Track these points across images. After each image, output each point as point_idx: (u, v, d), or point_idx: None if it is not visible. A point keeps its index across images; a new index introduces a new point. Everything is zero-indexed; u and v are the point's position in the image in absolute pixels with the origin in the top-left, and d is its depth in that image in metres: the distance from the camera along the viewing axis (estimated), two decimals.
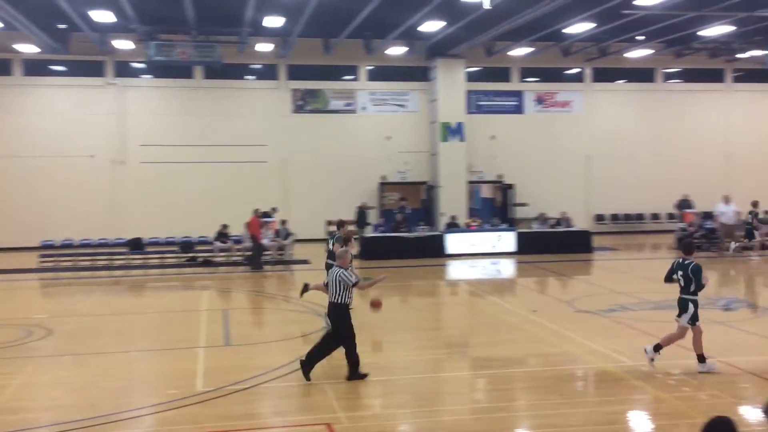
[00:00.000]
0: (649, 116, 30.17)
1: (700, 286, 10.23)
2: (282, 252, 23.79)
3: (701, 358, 10.18)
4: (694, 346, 10.22)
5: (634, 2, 19.26)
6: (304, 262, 23.08)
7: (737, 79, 30.33)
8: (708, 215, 26.55)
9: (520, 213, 28.96)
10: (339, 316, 10.02)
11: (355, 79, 29.80)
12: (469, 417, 8.84)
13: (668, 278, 10.72)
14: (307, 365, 9.88)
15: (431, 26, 23.80)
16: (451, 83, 28.67)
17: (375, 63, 29.45)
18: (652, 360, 10.23)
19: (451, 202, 28.31)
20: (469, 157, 28.94)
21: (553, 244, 24.46)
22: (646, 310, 14.68)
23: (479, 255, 24.02)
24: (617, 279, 19.64)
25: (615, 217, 30.37)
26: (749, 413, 8.65)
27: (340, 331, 10.02)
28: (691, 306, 10.19)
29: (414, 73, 29.63)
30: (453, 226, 26.09)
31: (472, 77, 29.44)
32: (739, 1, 19.53)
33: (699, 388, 9.50)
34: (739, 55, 27.60)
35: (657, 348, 10.25)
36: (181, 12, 22.44)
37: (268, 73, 29.46)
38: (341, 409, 8.84)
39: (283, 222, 24.30)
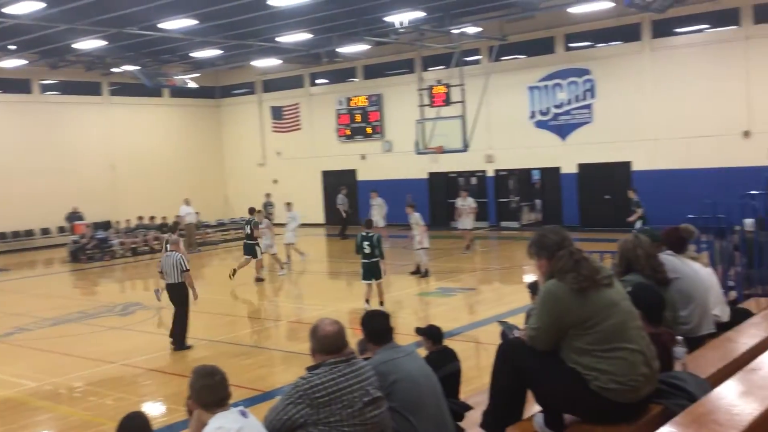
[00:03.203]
0: (29, 128, 29.01)
1: (382, 253, 13.40)
2: None
3: (381, 303, 13.31)
4: (380, 296, 13.55)
5: (3, 10, 18.29)
6: None
7: (114, 92, 31.52)
8: (100, 225, 27.06)
9: None
10: (181, 293, 11.71)
11: None
12: None
13: (359, 250, 13.47)
14: (177, 343, 11.60)
15: None
16: None
17: None
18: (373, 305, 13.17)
19: None
20: None
21: None
22: (45, 328, 14.23)
23: None
24: (11, 300, 18.48)
25: (2, 236, 28.45)
26: (154, 407, 9.20)
27: (183, 305, 11.70)
28: (381, 266, 13.31)
29: None
30: None
31: None
32: (110, 18, 20.32)
33: (104, 396, 9.68)
34: (114, 69, 28.70)
35: (373, 303, 13.27)
36: None
37: None
38: None
39: None
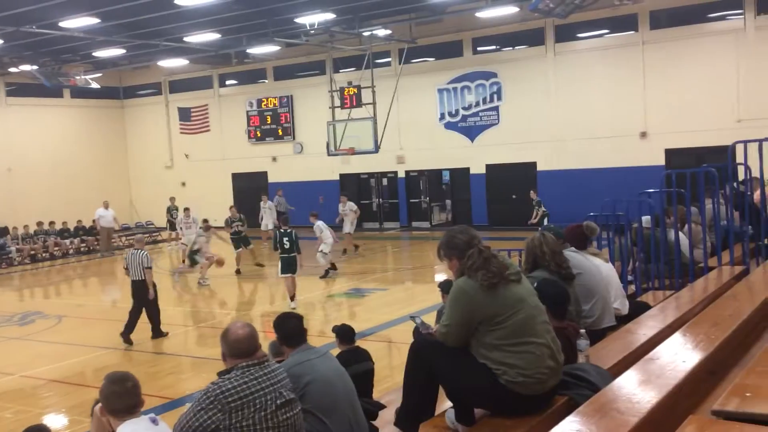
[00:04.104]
0: None
1: (299, 248, 14.31)
2: None
3: (292, 298, 14.31)
4: (292, 290, 14.34)
5: None
6: None
7: (11, 93, 30.08)
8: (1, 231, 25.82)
9: None
10: (142, 290, 12.32)
11: None
12: None
13: (277, 246, 14.49)
14: (126, 335, 12.21)
15: None
16: None
17: None
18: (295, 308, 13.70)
19: None
20: None
21: None
22: None
23: None
24: None
25: None
26: (56, 420, 8.85)
27: (143, 301, 12.33)
28: (298, 261, 14.28)
29: None
30: None
31: None
32: (6, 15, 19.41)
33: (3, 409, 9.26)
34: (11, 69, 27.43)
35: (293, 298, 14.26)
36: None
37: None
38: None
39: None
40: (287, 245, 14.27)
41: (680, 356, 4.16)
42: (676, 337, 4.64)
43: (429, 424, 4.16)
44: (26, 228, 25.98)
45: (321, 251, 17.53)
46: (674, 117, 21.93)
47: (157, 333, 12.60)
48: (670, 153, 22.09)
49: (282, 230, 14.73)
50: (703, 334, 4.59)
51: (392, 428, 4.37)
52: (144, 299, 12.40)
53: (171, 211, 26.47)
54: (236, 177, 31.17)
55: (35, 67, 26.13)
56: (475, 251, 4.05)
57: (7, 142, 29.29)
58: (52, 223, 26.52)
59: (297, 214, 24.06)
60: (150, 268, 12.43)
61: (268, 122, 29.97)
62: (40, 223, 26.35)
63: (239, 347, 3.96)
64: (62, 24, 20.46)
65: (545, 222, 19.45)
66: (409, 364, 4.22)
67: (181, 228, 21.67)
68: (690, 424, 3.05)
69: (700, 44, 21.67)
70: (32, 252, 25.11)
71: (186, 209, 22.25)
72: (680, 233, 8.20)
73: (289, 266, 14.38)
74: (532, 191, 21.83)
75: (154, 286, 12.51)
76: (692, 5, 21.82)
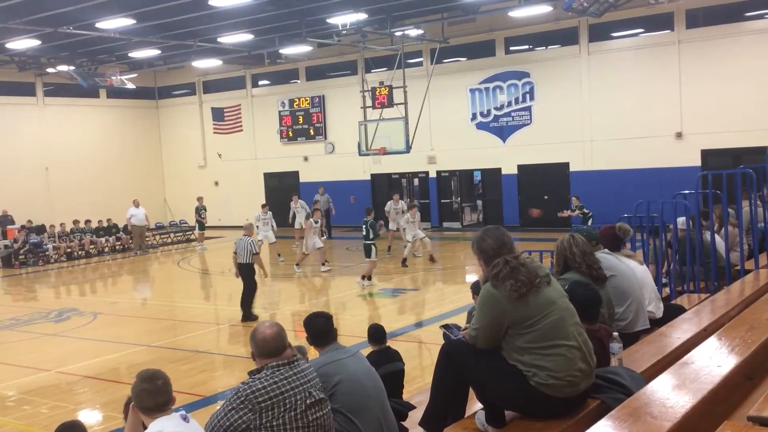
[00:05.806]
0: None
1: (376, 235, 16.64)
2: None
3: (369, 278, 16.42)
4: (366, 272, 16.43)
5: None
6: None
7: (49, 93, 30.64)
8: (33, 229, 26.22)
9: None
10: (250, 272, 13.52)
11: None
12: None
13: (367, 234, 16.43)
14: (246, 313, 13.37)
15: None
16: None
17: None
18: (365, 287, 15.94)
19: None
20: None
21: None
22: None
23: None
24: None
25: None
26: (91, 415, 8.98)
27: (249, 282, 13.46)
28: (372, 248, 16.27)
29: None
30: None
31: None
32: (44, 17, 19.75)
33: (39, 405, 9.40)
34: (49, 70, 27.90)
35: (363, 278, 16.31)
36: None
37: None
38: None
39: None
40: (364, 232, 16.53)
41: (715, 360, 4.08)
42: (712, 341, 4.55)
43: (459, 426, 4.14)
44: (63, 226, 26.39)
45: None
46: (710, 117, 21.57)
47: (246, 316, 13.40)
48: (706, 154, 21.73)
49: (365, 219, 16.86)
50: (740, 338, 4.50)
51: (419, 429, 4.35)
52: (250, 279, 13.50)
53: (199, 211, 26.68)
54: (268, 177, 31.36)
55: (72, 68, 26.53)
56: (500, 261, 3.95)
57: (45, 141, 29.86)
58: (88, 221, 26.91)
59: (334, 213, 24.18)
60: (257, 253, 13.63)
61: (300, 122, 30.10)
62: (76, 222, 26.76)
63: (267, 346, 3.97)
64: (98, 25, 20.75)
65: (589, 224, 19.16)
66: (439, 365, 4.20)
67: (258, 225, 21.37)
68: (725, 430, 2.99)
69: (738, 43, 21.28)
70: (68, 250, 25.50)
71: (264, 205, 22.38)
72: (716, 235, 8.06)
73: (366, 252, 16.51)
74: (575, 197, 21.22)
75: (263, 268, 14.10)
76: (730, 4, 21.45)
